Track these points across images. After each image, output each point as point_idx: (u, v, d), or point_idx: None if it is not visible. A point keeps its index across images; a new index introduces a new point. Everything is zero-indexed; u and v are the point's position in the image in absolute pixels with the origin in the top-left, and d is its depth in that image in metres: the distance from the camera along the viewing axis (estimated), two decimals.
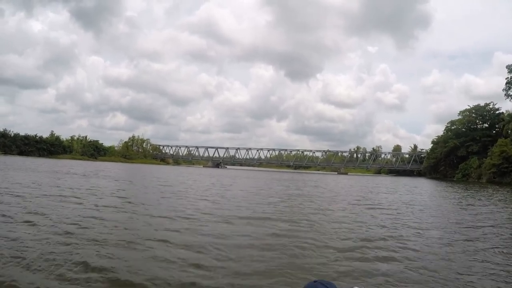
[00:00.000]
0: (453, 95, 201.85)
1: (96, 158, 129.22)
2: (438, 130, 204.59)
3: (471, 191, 40.35)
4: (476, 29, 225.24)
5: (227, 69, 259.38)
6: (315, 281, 2.09)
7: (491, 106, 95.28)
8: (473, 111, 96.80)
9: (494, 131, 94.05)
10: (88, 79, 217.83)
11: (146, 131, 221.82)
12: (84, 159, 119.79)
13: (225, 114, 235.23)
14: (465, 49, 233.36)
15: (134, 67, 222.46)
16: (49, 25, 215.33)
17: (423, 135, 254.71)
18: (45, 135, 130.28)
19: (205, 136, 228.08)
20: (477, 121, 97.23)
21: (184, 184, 33.60)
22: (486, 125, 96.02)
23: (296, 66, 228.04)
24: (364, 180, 70.66)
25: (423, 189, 44.92)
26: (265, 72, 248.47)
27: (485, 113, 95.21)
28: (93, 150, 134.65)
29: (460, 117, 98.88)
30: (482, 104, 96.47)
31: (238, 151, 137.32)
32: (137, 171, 58.66)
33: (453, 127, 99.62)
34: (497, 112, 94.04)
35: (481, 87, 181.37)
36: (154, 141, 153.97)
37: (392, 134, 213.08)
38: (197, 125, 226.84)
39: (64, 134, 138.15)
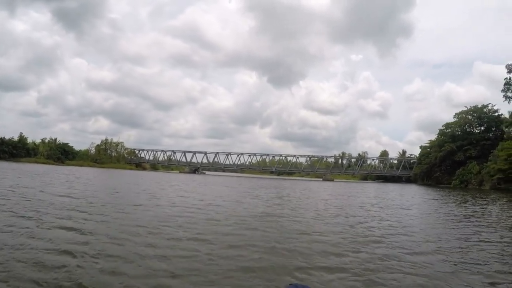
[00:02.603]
0: (435, 103, 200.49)
1: (63, 162, 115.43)
2: (420, 137, 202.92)
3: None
4: (460, 39, 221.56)
5: (211, 74, 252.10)
6: (291, 285, 2.12)
7: (489, 107, 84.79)
8: (471, 112, 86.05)
9: (491, 134, 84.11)
10: (71, 81, 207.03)
11: (130, 136, 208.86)
12: (49, 163, 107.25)
13: (209, 120, 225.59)
14: (450, 59, 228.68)
15: (117, 70, 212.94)
16: (32, 25, 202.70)
17: (405, 141, 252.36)
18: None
19: (189, 142, 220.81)
20: (474, 123, 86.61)
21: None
22: (483, 128, 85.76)
23: (279, 73, 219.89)
24: (357, 189, 58.97)
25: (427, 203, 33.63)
26: (249, 78, 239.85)
27: (482, 115, 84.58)
28: (60, 154, 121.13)
29: (455, 119, 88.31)
30: (479, 105, 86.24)
31: (218, 155, 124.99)
32: (82, 178, 46.47)
33: (448, 130, 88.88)
34: (496, 114, 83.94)
35: (462, 96, 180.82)
36: (138, 146, 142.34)
37: (375, 141, 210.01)
38: (180, 130, 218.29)
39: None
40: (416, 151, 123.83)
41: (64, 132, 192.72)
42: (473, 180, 74.68)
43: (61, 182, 31.82)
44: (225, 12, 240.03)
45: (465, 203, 30.16)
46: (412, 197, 36.82)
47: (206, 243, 9.70)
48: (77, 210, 14.40)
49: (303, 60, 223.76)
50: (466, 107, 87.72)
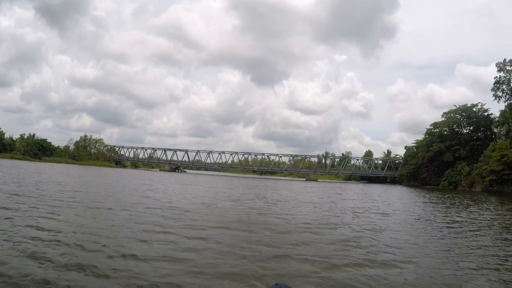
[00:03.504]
0: (418, 104, 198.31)
1: (40, 159, 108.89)
2: (403, 137, 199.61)
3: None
4: (443, 41, 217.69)
5: (194, 73, 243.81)
6: (276, 284, 2.13)
7: (479, 107, 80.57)
8: (459, 111, 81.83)
9: (480, 134, 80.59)
10: (55, 78, 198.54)
11: (113, 134, 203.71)
12: (25, 159, 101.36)
13: (192, 118, 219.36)
14: (433, 60, 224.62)
15: (101, 68, 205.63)
16: (16, 21, 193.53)
17: (388, 142, 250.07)
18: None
19: (172, 140, 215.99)
20: (463, 123, 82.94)
21: None
22: (471, 128, 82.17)
23: (263, 72, 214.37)
24: (345, 190, 54.27)
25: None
26: (232, 77, 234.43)
27: (471, 114, 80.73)
28: (37, 150, 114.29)
29: (443, 118, 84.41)
30: (468, 105, 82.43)
31: (199, 154, 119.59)
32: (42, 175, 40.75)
33: (435, 130, 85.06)
34: (485, 113, 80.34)
35: (445, 97, 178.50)
36: (121, 144, 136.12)
37: (358, 141, 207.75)
38: (163, 128, 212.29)
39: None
40: (399, 152, 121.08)
41: (47, 129, 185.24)
42: (462, 182, 70.46)
43: None
44: (209, 10, 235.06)
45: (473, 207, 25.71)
46: (414, 203, 32.22)
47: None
48: None
49: (286, 59, 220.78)
50: (455, 105, 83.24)
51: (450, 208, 25.61)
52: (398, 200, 34.09)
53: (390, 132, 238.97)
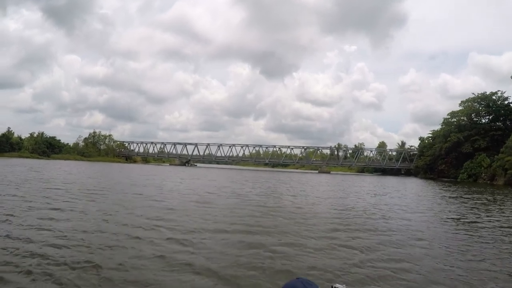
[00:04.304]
0: (430, 95, 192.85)
1: (48, 156, 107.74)
2: (416, 129, 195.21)
3: None
4: (455, 30, 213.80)
5: (203, 67, 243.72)
6: (297, 279, 2.01)
7: (498, 95, 76.57)
8: (478, 100, 77.99)
9: (500, 123, 76.68)
10: (65, 77, 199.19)
11: (125, 130, 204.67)
12: (33, 157, 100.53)
13: (203, 112, 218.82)
14: (445, 50, 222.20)
15: (110, 65, 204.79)
16: (24, 23, 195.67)
17: (401, 134, 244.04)
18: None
19: (184, 134, 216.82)
20: (482, 112, 79.00)
21: None
22: (491, 117, 78.23)
23: (272, 64, 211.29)
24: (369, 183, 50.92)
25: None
26: (242, 70, 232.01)
27: (490, 103, 76.88)
28: (45, 148, 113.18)
29: (461, 107, 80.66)
30: (487, 92, 78.33)
31: (209, 147, 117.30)
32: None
33: (453, 120, 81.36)
34: (506, 102, 76.32)
35: (458, 87, 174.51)
36: (133, 140, 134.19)
37: (370, 133, 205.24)
38: (175, 123, 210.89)
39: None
40: (413, 143, 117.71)
41: (59, 128, 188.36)
42: (483, 174, 67.20)
43: None
44: (215, 4, 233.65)
45: None
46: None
47: None
48: None
49: (295, 51, 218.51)
50: (473, 94, 79.50)
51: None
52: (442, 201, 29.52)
53: (402, 123, 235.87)
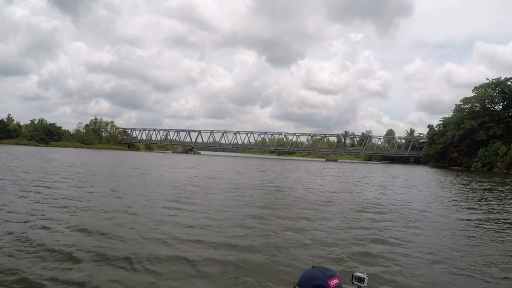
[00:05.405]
0: (436, 84, 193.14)
1: (47, 143, 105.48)
2: (421, 117, 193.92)
3: None
4: (460, 19, 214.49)
5: (210, 54, 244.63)
6: (313, 267, 2.02)
7: None
8: (492, 85, 74.78)
9: None
10: (71, 65, 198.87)
11: (131, 118, 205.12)
12: (31, 145, 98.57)
13: (209, 100, 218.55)
14: (451, 39, 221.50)
15: (116, 52, 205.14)
16: (30, 10, 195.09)
17: (406, 122, 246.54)
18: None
19: (190, 122, 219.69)
20: (496, 98, 75.82)
21: None
22: (505, 103, 74.82)
23: (278, 52, 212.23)
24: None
25: None
26: (248, 57, 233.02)
27: (505, 89, 73.39)
28: (44, 134, 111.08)
29: (474, 93, 77.48)
30: (502, 78, 75.00)
31: (213, 134, 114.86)
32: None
33: (465, 106, 78.24)
34: None
35: (463, 76, 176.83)
36: (139, 127, 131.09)
37: (376, 121, 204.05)
38: (181, 110, 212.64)
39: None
40: (418, 132, 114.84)
41: (65, 115, 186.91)
42: (499, 163, 64.48)
43: None
44: None
45: None
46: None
47: None
48: None
49: (301, 39, 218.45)
50: (487, 79, 76.21)
51: None
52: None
53: (408, 112, 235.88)
